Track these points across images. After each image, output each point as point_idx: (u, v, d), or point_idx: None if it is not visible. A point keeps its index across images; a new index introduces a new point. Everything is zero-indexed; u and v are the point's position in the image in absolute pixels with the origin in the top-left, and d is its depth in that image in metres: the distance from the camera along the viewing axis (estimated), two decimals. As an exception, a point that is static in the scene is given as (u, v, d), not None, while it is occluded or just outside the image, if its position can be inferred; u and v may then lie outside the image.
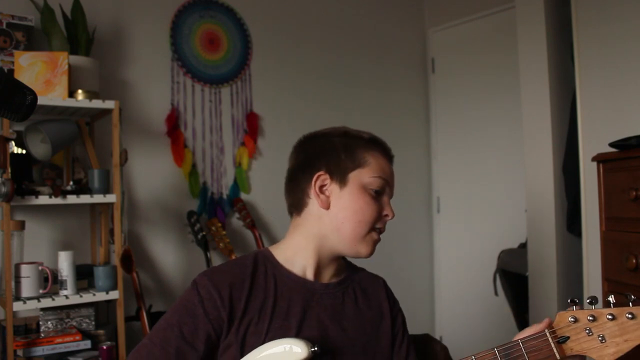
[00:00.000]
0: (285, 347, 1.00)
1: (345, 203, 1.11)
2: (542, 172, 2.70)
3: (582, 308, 0.93)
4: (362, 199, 1.10)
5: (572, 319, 0.92)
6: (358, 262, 1.22)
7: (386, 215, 1.14)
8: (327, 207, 1.11)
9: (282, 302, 1.07)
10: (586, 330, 0.91)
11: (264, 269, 1.11)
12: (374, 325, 1.15)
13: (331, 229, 1.11)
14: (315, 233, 1.12)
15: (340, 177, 1.12)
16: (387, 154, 1.17)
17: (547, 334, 0.92)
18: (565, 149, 2.66)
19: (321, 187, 1.12)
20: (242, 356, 1.02)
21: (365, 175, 1.11)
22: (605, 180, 1.94)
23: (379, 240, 1.14)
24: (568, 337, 0.92)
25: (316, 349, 1.00)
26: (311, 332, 1.06)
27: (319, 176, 1.12)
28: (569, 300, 0.94)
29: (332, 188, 1.12)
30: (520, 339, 0.94)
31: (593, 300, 0.91)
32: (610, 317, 0.89)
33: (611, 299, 0.91)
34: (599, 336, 0.90)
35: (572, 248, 2.67)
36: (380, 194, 1.13)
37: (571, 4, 2.46)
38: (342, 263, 1.20)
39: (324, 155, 1.13)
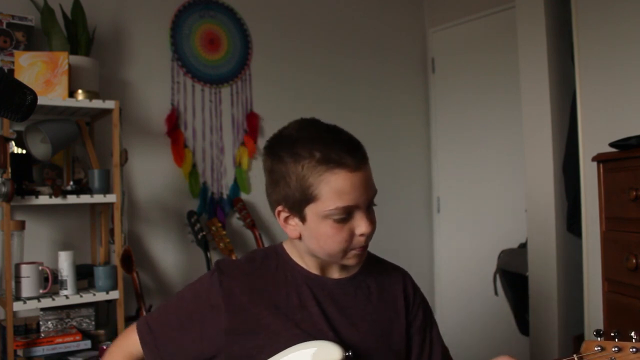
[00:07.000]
0: (318, 350, 1.00)
1: (311, 234, 1.05)
2: (542, 172, 2.70)
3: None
4: (325, 232, 1.03)
5: (598, 348, 0.99)
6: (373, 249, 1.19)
7: (361, 235, 1.04)
8: (299, 237, 1.08)
9: (294, 296, 1.08)
10: (611, 359, 0.98)
11: (275, 263, 1.12)
12: (387, 323, 1.13)
13: (312, 250, 1.09)
14: (303, 248, 1.11)
15: (299, 213, 1.05)
16: (349, 165, 1.01)
17: (576, 359, 1.00)
18: (565, 149, 2.65)
19: (286, 218, 1.09)
20: (268, 345, 1.04)
21: (320, 208, 1.02)
22: (605, 180, 1.94)
23: (362, 251, 1.07)
24: None
25: (350, 353, 1.00)
26: (321, 327, 1.06)
27: (279, 212, 1.08)
28: (594, 333, 1.01)
29: (296, 220, 1.07)
30: None
31: (617, 334, 1.00)
32: (633, 350, 0.98)
33: (634, 334, 0.99)
34: None
35: (572, 248, 2.67)
36: (347, 217, 1.02)
37: (571, 4, 2.46)
38: None
39: (278, 185, 1.06)
